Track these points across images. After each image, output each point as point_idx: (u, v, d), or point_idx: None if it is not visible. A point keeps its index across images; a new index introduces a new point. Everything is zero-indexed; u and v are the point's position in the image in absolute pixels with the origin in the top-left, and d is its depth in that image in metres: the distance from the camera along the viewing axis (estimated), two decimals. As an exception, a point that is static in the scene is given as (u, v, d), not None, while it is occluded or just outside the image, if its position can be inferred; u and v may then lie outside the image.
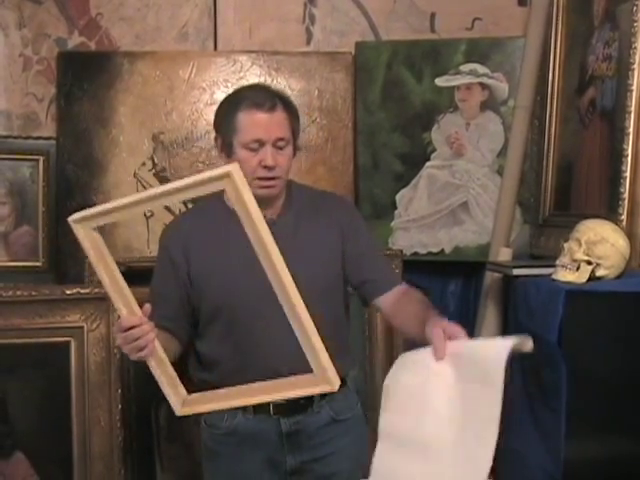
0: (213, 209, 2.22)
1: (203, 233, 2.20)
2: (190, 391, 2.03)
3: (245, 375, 2.07)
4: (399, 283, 2.24)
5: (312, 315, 1.93)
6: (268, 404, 2.14)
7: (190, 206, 2.84)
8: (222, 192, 2.20)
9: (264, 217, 2.12)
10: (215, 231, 2.19)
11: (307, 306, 1.96)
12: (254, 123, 2.10)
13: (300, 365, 2.07)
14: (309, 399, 2.16)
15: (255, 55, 3.33)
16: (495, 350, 1.68)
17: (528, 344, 1.70)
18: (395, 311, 2.17)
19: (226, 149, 2.16)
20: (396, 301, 2.18)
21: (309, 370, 1.95)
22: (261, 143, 2.09)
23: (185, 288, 2.19)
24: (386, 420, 1.79)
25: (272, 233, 2.13)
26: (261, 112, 2.10)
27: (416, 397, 1.76)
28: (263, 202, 2.14)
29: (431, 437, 1.71)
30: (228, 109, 2.16)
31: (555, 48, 3.12)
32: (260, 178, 2.11)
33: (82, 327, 2.81)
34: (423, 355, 1.80)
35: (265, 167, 2.10)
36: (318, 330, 1.87)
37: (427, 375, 1.76)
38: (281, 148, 2.12)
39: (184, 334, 2.21)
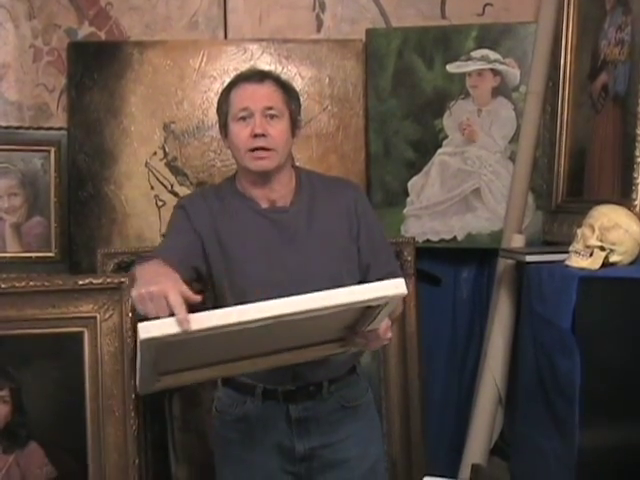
0: (228, 193, 2.23)
1: (225, 214, 2.19)
2: None
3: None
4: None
5: None
6: (276, 391, 2.15)
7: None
8: (234, 177, 2.23)
9: (274, 205, 2.17)
10: (233, 215, 2.19)
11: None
12: (242, 93, 2.16)
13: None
14: (318, 386, 2.18)
15: (265, 43, 3.32)
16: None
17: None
18: None
19: (224, 131, 2.21)
20: None
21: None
22: (250, 112, 2.12)
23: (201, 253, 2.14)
24: None
25: (285, 222, 2.16)
26: (249, 83, 2.18)
27: None
28: (262, 179, 2.16)
29: None
30: (223, 92, 2.23)
31: (567, 33, 3.11)
32: (253, 149, 2.12)
33: (95, 317, 2.81)
34: None
35: (256, 136, 2.11)
36: None
37: None
38: (272, 118, 2.14)
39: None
